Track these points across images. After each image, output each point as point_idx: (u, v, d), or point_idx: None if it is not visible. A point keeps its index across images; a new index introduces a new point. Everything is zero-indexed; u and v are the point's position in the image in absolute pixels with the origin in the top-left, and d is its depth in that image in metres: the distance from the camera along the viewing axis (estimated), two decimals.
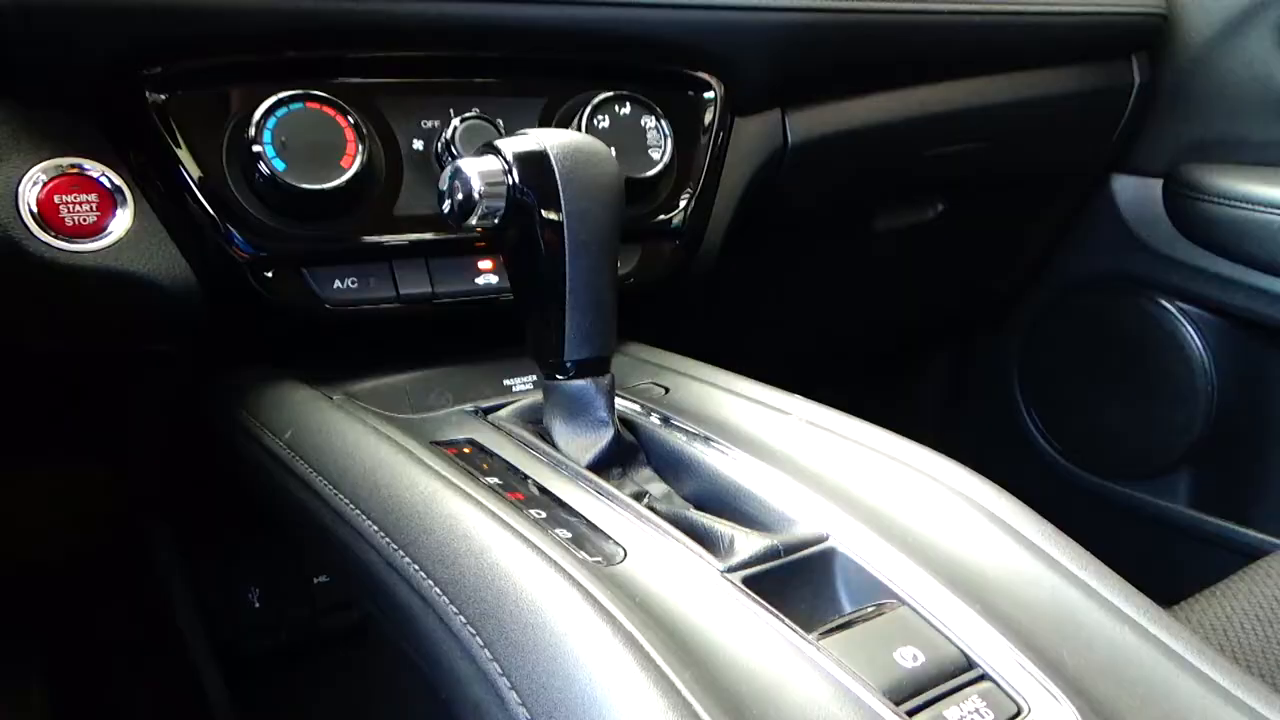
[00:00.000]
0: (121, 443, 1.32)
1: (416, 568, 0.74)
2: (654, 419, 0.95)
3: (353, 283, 1.01)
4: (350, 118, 0.97)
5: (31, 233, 0.90)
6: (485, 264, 1.06)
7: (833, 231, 1.63)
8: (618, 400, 0.95)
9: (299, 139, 0.95)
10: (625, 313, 0.92)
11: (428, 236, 1.03)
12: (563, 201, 0.84)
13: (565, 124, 1.11)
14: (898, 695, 0.64)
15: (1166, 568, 1.83)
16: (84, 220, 0.92)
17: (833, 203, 1.53)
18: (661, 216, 1.15)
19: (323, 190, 0.95)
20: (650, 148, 1.12)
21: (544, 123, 1.10)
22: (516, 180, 0.84)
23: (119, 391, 1.23)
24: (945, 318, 2.13)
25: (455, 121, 1.03)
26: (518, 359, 1.06)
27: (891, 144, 1.45)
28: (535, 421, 0.94)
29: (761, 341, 1.78)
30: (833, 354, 2.02)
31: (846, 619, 0.70)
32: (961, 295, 2.04)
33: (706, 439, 0.90)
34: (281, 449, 0.93)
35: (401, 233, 1.02)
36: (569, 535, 0.75)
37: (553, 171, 0.84)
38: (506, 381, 1.07)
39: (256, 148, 0.94)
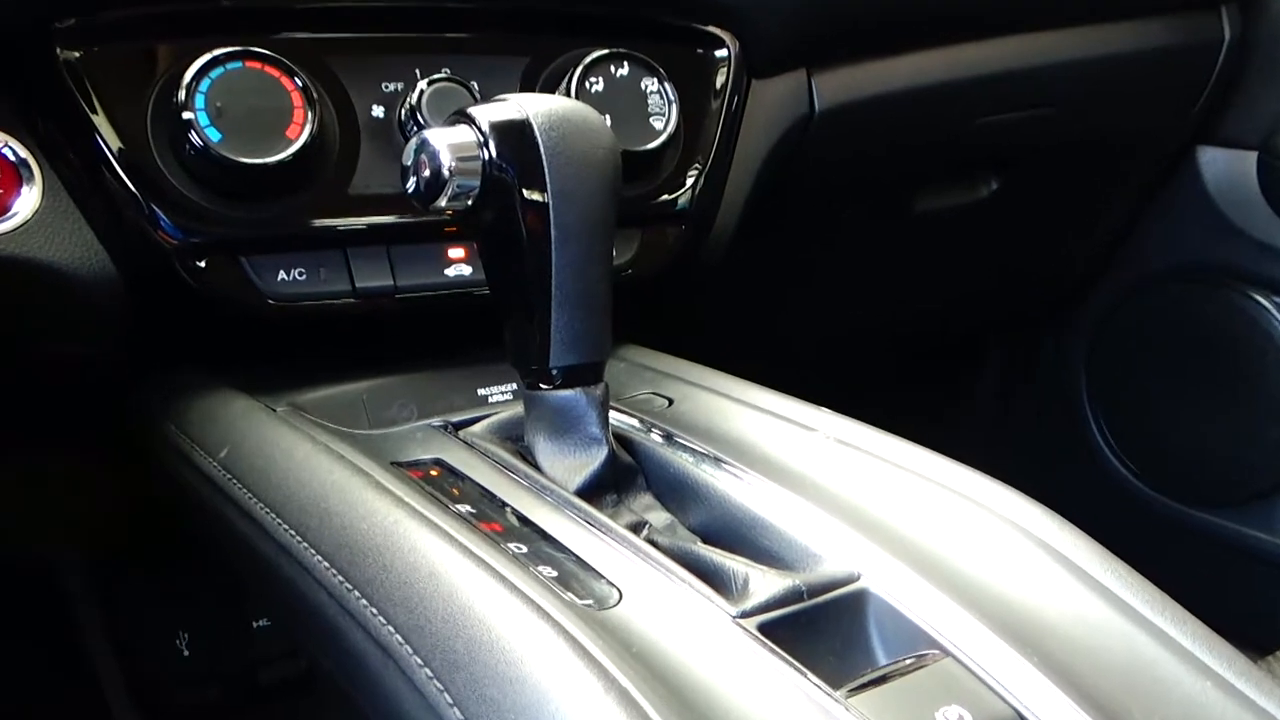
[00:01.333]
0: (27, 454, 1.33)
1: (374, 611, 0.74)
2: (655, 436, 0.95)
3: (300, 274, 1.01)
4: (297, 80, 0.97)
5: None
6: (456, 252, 1.07)
7: (866, 214, 1.64)
8: (612, 414, 0.95)
9: (237, 104, 0.95)
10: (622, 310, 0.92)
11: (389, 220, 1.03)
12: (548, 179, 0.85)
13: (551, 88, 1.11)
14: None
15: (1259, 612, 1.83)
16: None
17: (866, 181, 1.53)
18: (665, 197, 1.15)
19: (265, 165, 0.96)
20: (651, 116, 1.12)
21: (526, 86, 1.11)
22: (493, 154, 0.85)
23: (25, 398, 1.23)
24: (998, 315, 2.13)
25: (422, 84, 1.04)
26: (494, 365, 1.06)
27: (936, 111, 1.45)
28: (515, 438, 0.94)
29: (781, 345, 1.79)
30: (865, 359, 2.02)
31: (881, 673, 0.70)
32: (1017, 288, 2.04)
33: (717, 460, 0.90)
34: (216, 470, 0.93)
35: (358, 215, 1.02)
36: (554, 574, 0.75)
37: (536, 144, 0.85)
38: (481, 391, 1.07)
39: (187, 114, 0.94)
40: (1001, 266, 1.96)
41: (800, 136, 1.31)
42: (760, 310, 1.70)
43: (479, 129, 0.85)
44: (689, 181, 1.17)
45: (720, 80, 1.20)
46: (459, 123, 0.86)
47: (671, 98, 1.13)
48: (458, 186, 0.85)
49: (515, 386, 1.08)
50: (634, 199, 1.12)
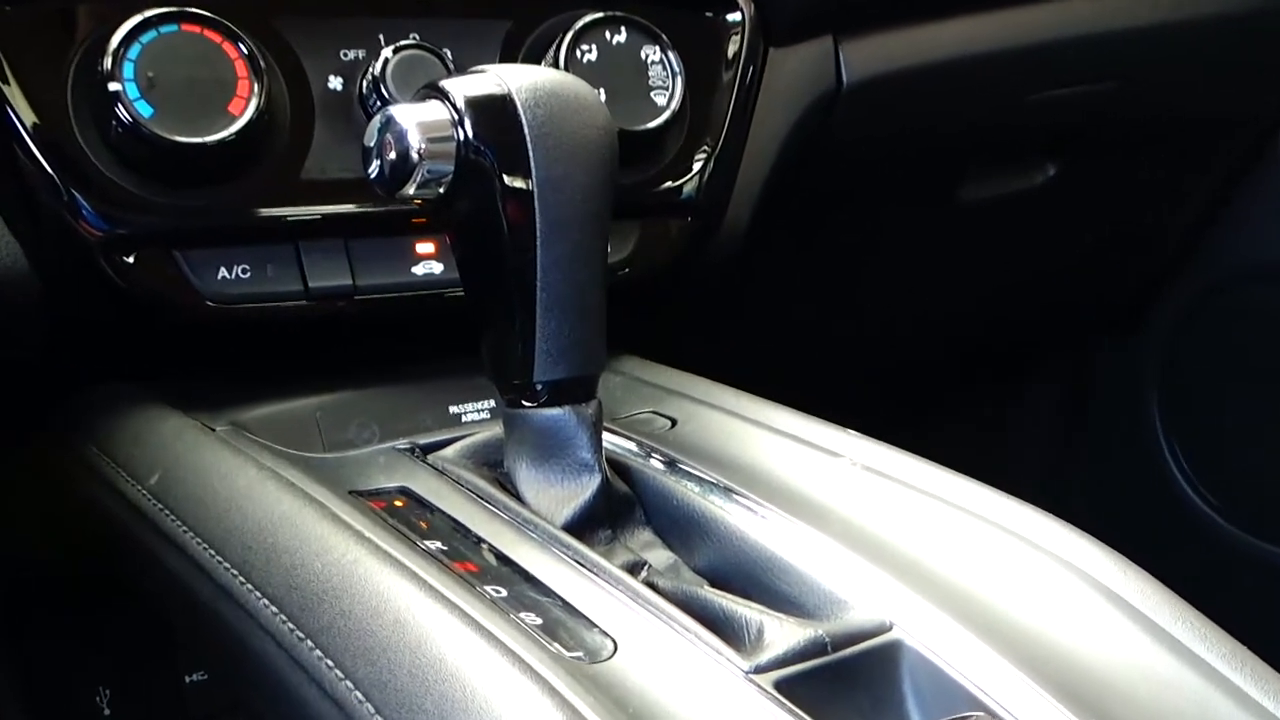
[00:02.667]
0: None
1: (330, 663, 0.75)
2: (656, 462, 0.96)
3: (244, 271, 1.02)
4: (242, 46, 0.98)
5: None
6: (425, 247, 1.07)
7: (902, 204, 1.64)
8: (606, 436, 0.96)
9: (172, 74, 0.96)
10: (618, 316, 0.93)
11: (347, 209, 1.04)
12: (533, 164, 0.85)
13: (537, 57, 1.12)
14: None
15: None
16: None
17: (902, 166, 1.54)
18: (668, 184, 1.16)
19: (203, 145, 0.97)
20: (653, 90, 1.13)
21: (507, 56, 1.12)
22: (469, 134, 0.85)
23: None
24: (1054, 323, 2.14)
25: (386, 52, 1.05)
26: (469, 378, 1.07)
27: (984, 85, 1.46)
28: (494, 464, 0.95)
29: (802, 357, 1.79)
30: (899, 374, 2.02)
31: None
32: (1077, 292, 2.05)
33: (727, 490, 0.91)
34: (145, 499, 0.94)
35: (312, 204, 1.03)
36: (538, 621, 0.76)
37: (519, 123, 0.86)
38: (454, 409, 1.08)
39: (114, 85, 0.95)
40: (1058, 266, 1.97)
41: (825, 115, 1.32)
42: (777, 317, 1.71)
43: (453, 105, 0.86)
44: (696, 167, 1.18)
45: (732, 49, 1.21)
46: (430, 98, 0.87)
47: (676, 69, 1.14)
48: (428, 172, 0.86)
49: (493, 404, 1.08)
50: (632, 187, 1.13)
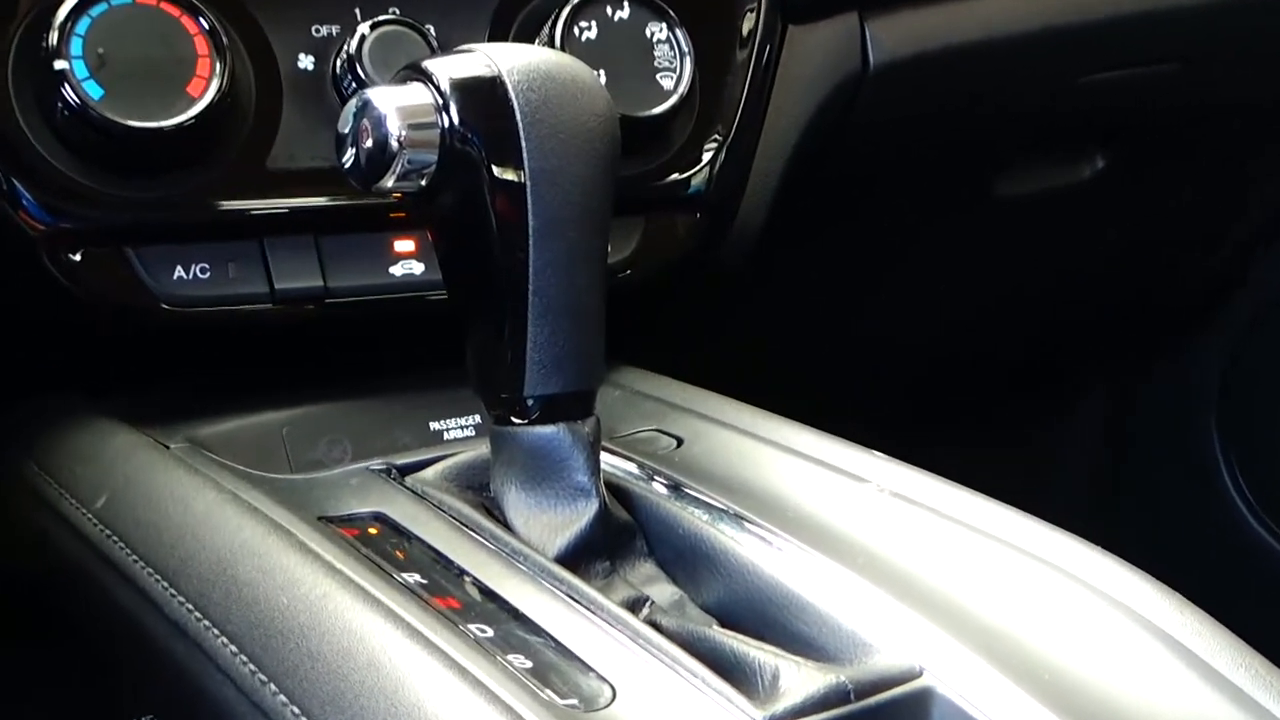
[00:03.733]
0: None
1: (296, 710, 0.75)
2: (659, 486, 0.96)
3: (203, 271, 1.02)
4: (203, 20, 0.98)
5: None
6: (405, 245, 1.08)
7: (933, 200, 1.65)
8: (605, 457, 0.96)
9: (124, 52, 0.96)
10: (618, 323, 0.93)
11: (318, 202, 1.05)
12: (525, 154, 0.86)
13: (530, 35, 1.12)
14: None
15: None
16: None
17: (934, 156, 1.54)
18: (675, 176, 1.16)
19: (160, 130, 0.97)
20: (659, 72, 1.14)
21: (498, 33, 1.12)
22: (454, 121, 0.85)
23: None
24: (1101, 329, 2.14)
25: (363, 28, 1.05)
26: (452, 391, 1.07)
27: (1028, 67, 1.46)
28: (479, 488, 0.95)
29: (822, 368, 1.79)
30: (928, 387, 2.02)
31: None
32: (1127, 295, 2.05)
33: (738, 518, 0.91)
34: (90, 524, 0.93)
35: (279, 196, 1.04)
36: (528, 664, 0.75)
37: (510, 108, 0.86)
38: (435, 425, 1.08)
39: (60, 64, 0.95)
40: (1105, 270, 1.97)
41: (849, 100, 1.32)
42: (795, 325, 1.71)
43: (436, 88, 0.86)
44: (706, 157, 1.18)
45: (747, 26, 1.22)
46: (411, 79, 0.87)
47: (684, 48, 1.14)
48: (408, 162, 0.86)
49: (479, 420, 1.08)
50: (635, 179, 1.14)
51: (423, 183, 0.87)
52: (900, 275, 1.76)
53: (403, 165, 0.86)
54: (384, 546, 0.87)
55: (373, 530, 0.90)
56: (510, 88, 0.86)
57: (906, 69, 1.35)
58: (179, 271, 1.01)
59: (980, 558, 0.87)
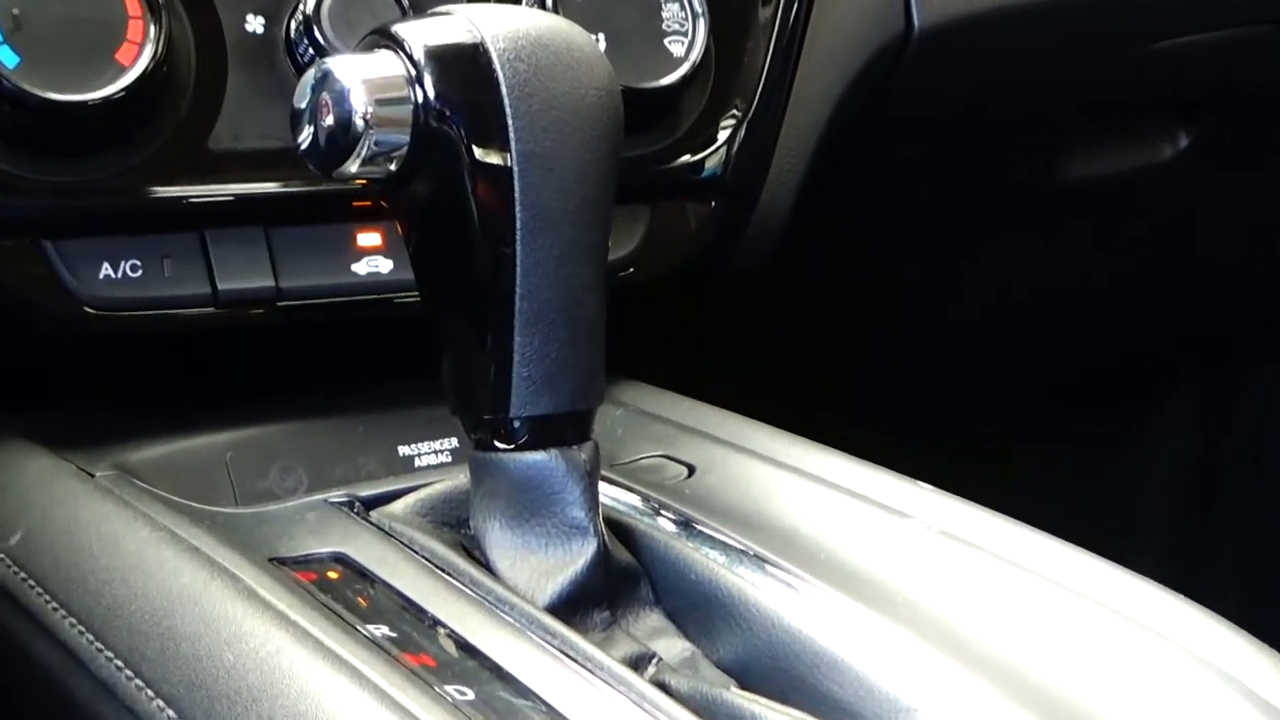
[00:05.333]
0: None
1: None
2: (666, 523, 0.96)
3: (133, 268, 1.02)
4: None
5: None
6: (370, 238, 1.08)
7: (987, 184, 1.65)
8: (605, 489, 0.97)
9: (44, 12, 0.96)
10: (621, 331, 0.93)
11: (269, 189, 1.05)
12: (512, 134, 0.86)
13: None
14: None
15: None
16: None
17: (988, 134, 1.54)
18: (687, 158, 1.17)
19: (84, 104, 0.96)
20: (668, 36, 1.14)
21: None
22: (430, 95, 0.86)
23: None
24: (1187, 337, 2.13)
25: None
26: (426, 410, 1.07)
27: (1097, 31, 1.47)
28: (456, 524, 0.95)
29: (859, 385, 1.79)
30: (982, 404, 2.02)
31: None
32: (1217, 296, 2.05)
33: (760, 560, 0.91)
34: (2, 565, 0.93)
35: (223, 181, 1.04)
36: None
37: (495, 79, 0.86)
38: (405, 450, 1.08)
39: None
40: (1191, 265, 1.97)
41: (890, 67, 1.33)
42: (825, 332, 1.71)
43: (408, 56, 0.86)
44: (722, 135, 1.18)
45: None
46: (379, 46, 0.88)
47: (697, 8, 1.14)
48: (376, 144, 0.86)
49: (456, 444, 1.08)
50: (641, 162, 1.14)
51: (392, 167, 0.87)
52: (947, 272, 1.76)
53: (369, 147, 0.86)
54: (345, 593, 0.87)
55: (332, 574, 0.90)
56: (495, 56, 0.86)
57: (956, 32, 1.35)
58: (105, 269, 1.01)
59: (1044, 608, 0.86)
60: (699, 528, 0.95)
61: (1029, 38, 1.42)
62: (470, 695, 0.78)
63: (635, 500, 0.99)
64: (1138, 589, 0.87)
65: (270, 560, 0.90)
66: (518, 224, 0.86)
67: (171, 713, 0.80)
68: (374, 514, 0.97)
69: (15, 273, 1.00)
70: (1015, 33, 1.40)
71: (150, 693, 0.81)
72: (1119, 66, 1.54)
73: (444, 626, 0.85)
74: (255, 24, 1.05)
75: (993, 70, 1.43)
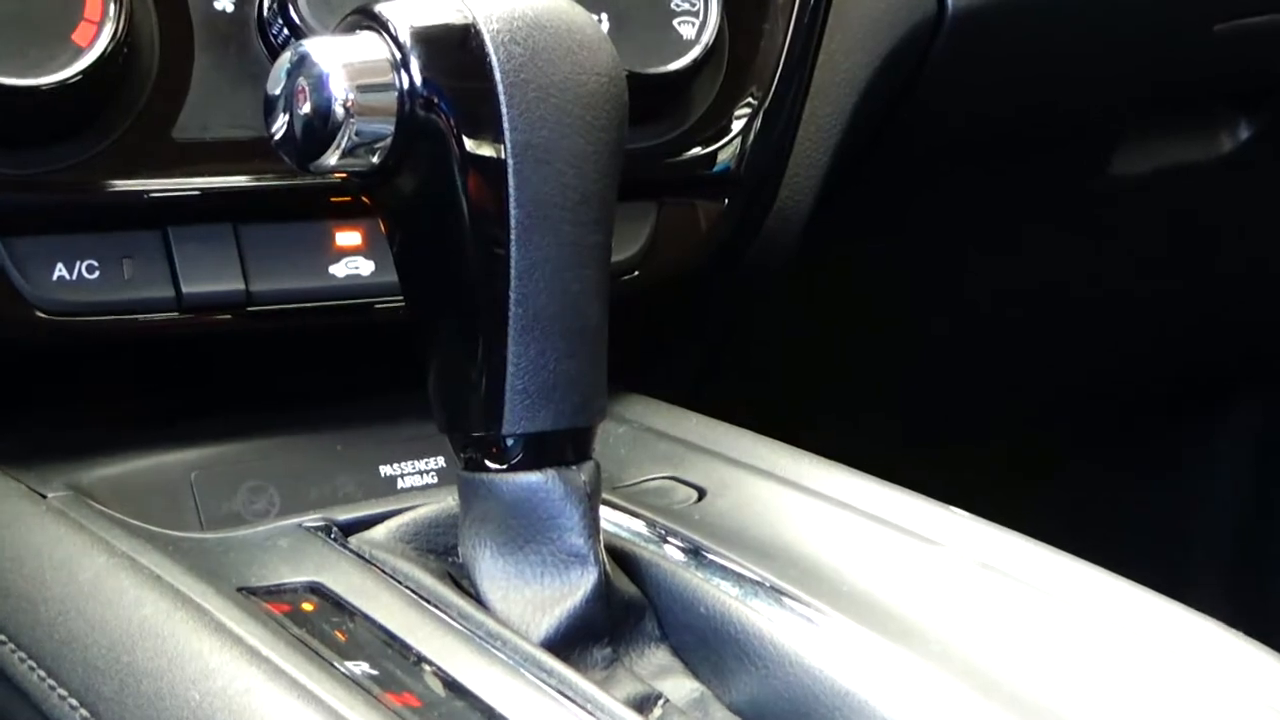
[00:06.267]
0: None
1: None
2: (674, 551, 0.96)
3: (90, 269, 1.02)
4: None
5: None
6: (349, 237, 1.08)
7: (1029, 179, 1.65)
8: (606, 513, 0.97)
9: None
10: (624, 339, 0.94)
11: (239, 183, 1.05)
12: (506, 124, 0.86)
13: None
14: None
15: None
16: None
17: (1029, 125, 1.54)
18: (698, 150, 1.17)
19: (36, 89, 0.97)
20: (678, 16, 1.14)
21: None
22: (417, 80, 0.86)
23: None
24: (1249, 347, 2.13)
25: None
26: (410, 426, 1.08)
27: (1149, 12, 1.47)
28: (443, 552, 0.95)
29: (887, 398, 1.78)
30: (1023, 420, 2.01)
31: None
32: None
33: (776, 592, 0.91)
34: None
35: (188, 174, 1.04)
36: None
37: (488, 64, 0.86)
38: (386, 470, 1.09)
39: None
40: (1254, 267, 1.97)
41: (922, 52, 1.33)
42: (850, 341, 1.71)
43: (393, 38, 0.86)
44: (737, 125, 1.18)
45: None
46: (361, 27, 0.88)
47: None
48: (357, 134, 0.86)
49: (443, 463, 1.09)
50: (647, 154, 1.14)
51: (375, 160, 0.87)
52: (985, 274, 1.76)
53: (349, 138, 0.86)
54: (322, 626, 0.88)
55: (307, 605, 0.90)
56: (488, 38, 0.86)
57: (994, 11, 1.36)
58: (60, 270, 1.02)
59: (1088, 646, 0.86)
60: (709, 556, 0.95)
61: (1076, 20, 1.42)
62: None
63: (640, 526, 0.99)
64: (1192, 625, 0.87)
65: (239, 590, 0.90)
66: (512, 222, 0.87)
67: None
68: (353, 540, 0.97)
69: None
70: (1061, 14, 1.40)
71: None
72: (1175, 51, 1.54)
73: (429, 663, 0.85)
74: (225, 2, 1.06)
75: (1035, 56, 1.43)
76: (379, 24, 0.87)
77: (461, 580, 0.92)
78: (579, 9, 0.91)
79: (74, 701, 0.84)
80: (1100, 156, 1.67)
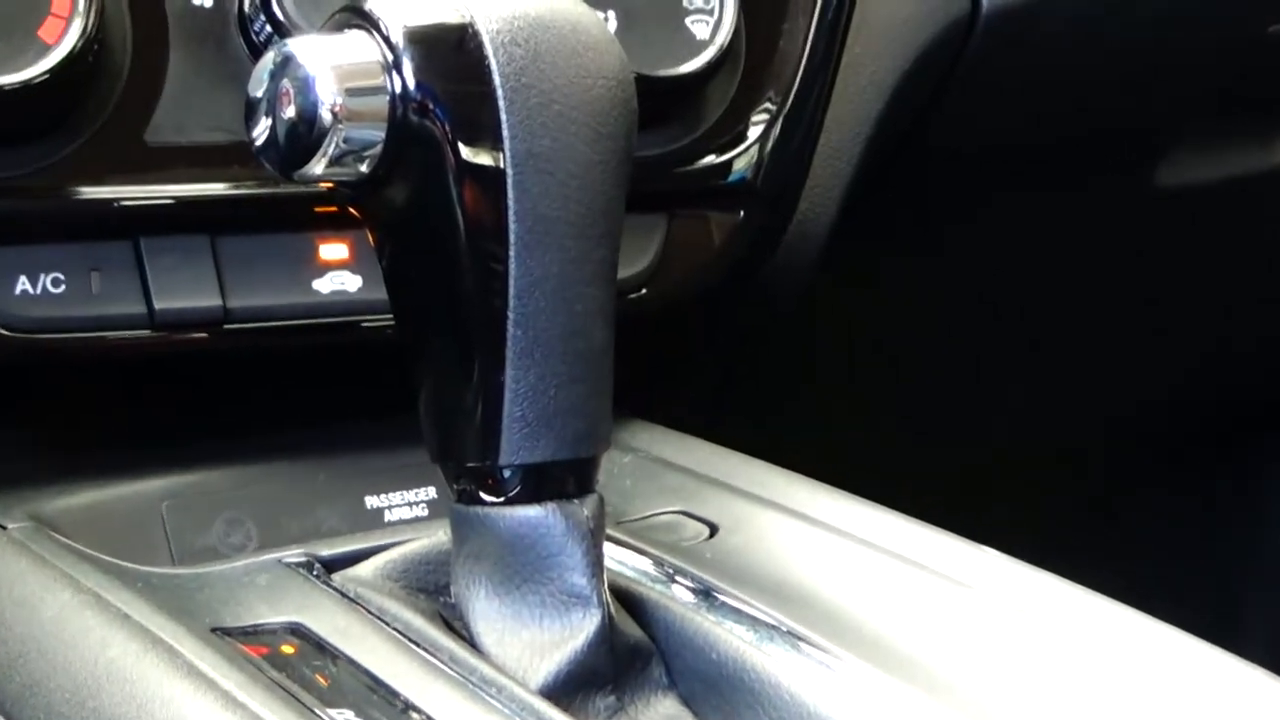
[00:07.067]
0: None
1: None
2: (683, 592, 0.97)
3: (55, 282, 1.03)
4: None
5: None
6: (335, 250, 1.09)
7: (1069, 190, 1.64)
8: (611, 550, 0.97)
9: None
10: (631, 362, 0.94)
11: (216, 190, 1.05)
12: (506, 131, 0.86)
13: None
14: None
15: None
16: None
17: (1070, 132, 1.54)
18: (711, 159, 1.17)
19: (1, 89, 0.97)
20: (691, 14, 1.14)
21: None
22: (410, 83, 0.86)
23: None
24: None
25: None
26: (399, 454, 1.09)
27: (1197, 9, 1.47)
28: (434, 590, 0.96)
29: (911, 423, 1.78)
30: (1063, 453, 2.00)
31: None
32: None
33: (793, 637, 0.91)
34: None
35: (162, 180, 1.04)
36: None
37: (486, 67, 0.86)
38: (373, 502, 1.09)
39: None
40: None
41: (954, 54, 1.34)
42: (875, 364, 1.70)
43: (385, 38, 0.87)
44: (754, 132, 1.19)
45: None
46: (350, 26, 0.88)
47: None
48: (345, 140, 0.86)
49: (434, 495, 1.09)
50: (657, 163, 1.15)
51: (364, 169, 0.87)
52: (1022, 292, 1.76)
53: (337, 145, 0.86)
54: (303, 671, 0.88)
55: (287, 648, 0.90)
56: (487, 39, 0.86)
57: (1032, 10, 1.36)
58: (22, 283, 1.02)
59: (1131, 697, 0.86)
60: (721, 598, 0.96)
61: (1122, 20, 1.42)
62: None
63: (646, 564, 1.00)
64: (1240, 675, 0.87)
65: (213, 630, 0.90)
66: (511, 237, 0.87)
67: None
68: (336, 577, 0.97)
69: None
70: (1105, 14, 1.41)
71: None
72: (1226, 53, 1.54)
73: (418, 711, 0.85)
74: None
75: (1077, 58, 1.43)
76: (369, 22, 0.87)
77: (454, 622, 0.92)
78: (584, 7, 0.91)
79: None
80: (1148, 168, 1.67)
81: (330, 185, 0.89)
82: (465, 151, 0.87)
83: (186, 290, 1.05)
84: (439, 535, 0.98)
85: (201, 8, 1.06)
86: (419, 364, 0.92)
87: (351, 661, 0.89)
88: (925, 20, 1.32)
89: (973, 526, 1.02)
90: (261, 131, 0.89)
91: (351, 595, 0.95)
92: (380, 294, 0.96)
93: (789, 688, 0.88)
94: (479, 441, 0.89)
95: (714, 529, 1.05)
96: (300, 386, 1.15)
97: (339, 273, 1.09)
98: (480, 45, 0.86)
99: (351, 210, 0.95)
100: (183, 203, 1.05)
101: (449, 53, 0.87)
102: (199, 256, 1.06)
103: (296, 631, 0.92)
